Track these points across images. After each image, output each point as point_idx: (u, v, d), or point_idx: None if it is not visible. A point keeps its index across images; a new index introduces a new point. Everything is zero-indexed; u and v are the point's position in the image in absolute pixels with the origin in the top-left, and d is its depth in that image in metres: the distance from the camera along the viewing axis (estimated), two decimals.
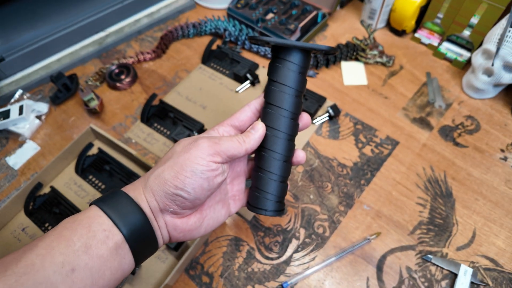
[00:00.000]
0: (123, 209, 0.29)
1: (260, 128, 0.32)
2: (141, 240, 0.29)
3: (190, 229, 0.32)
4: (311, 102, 0.61)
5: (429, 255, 0.47)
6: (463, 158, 0.56)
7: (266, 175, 0.33)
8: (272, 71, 0.33)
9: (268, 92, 0.33)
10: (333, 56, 0.66)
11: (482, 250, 0.48)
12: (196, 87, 0.67)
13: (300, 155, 0.36)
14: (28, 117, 0.62)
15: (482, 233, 0.49)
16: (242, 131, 0.35)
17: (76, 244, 0.26)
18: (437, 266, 0.47)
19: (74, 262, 0.25)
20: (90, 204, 0.30)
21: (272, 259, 0.49)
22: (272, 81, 0.33)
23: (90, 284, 0.26)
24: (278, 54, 0.32)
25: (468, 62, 0.65)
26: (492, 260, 0.47)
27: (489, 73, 0.57)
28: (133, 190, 0.30)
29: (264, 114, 0.34)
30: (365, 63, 0.67)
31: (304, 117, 0.36)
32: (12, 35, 0.69)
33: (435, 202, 0.52)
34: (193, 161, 0.29)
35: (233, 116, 0.35)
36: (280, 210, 0.35)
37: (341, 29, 0.74)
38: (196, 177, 0.29)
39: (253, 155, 0.37)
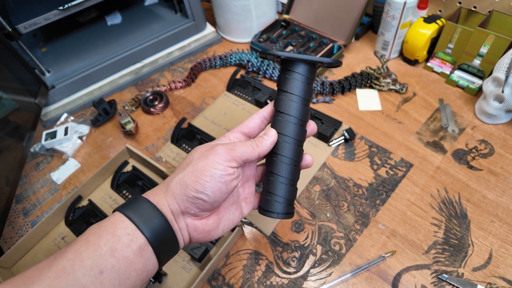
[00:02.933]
0: (145, 213, 0.30)
1: (273, 135, 0.35)
2: (163, 242, 0.31)
3: (209, 229, 0.34)
4: (327, 126, 0.65)
5: (444, 275, 0.48)
6: (477, 181, 0.57)
7: (276, 178, 0.36)
8: (281, 82, 0.36)
9: (277, 101, 0.36)
10: (348, 84, 0.70)
11: (500, 271, 0.48)
12: (221, 112, 0.73)
13: (308, 159, 0.38)
14: (71, 137, 0.70)
15: (499, 255, 0.50)
16: (251, 137, 0.38)
17: (102, 248, 0.28)
18: (453, 285, 0.48)
19: (102, 265, 0.27)
20: (114, 211, 0.32)
21: (290, 273, 0.51)
22: (281, 91, 0.36)
23: (117, 285, 0.28)
24: (286, 66, 0.35)
25: (480, 89, 0.67)
26: (510, 282, 0.47)
27: (500, 99, 0.60)
28: (153, 195, 0.33)
29: (274, 121, 0.37)
30: (379, 90, 0.71)
31: (311, 124, 0.38)
32: (61, 66, 0.79)
33: (450, 223, 0.53)
34: (211, 166, 0.31)
35: (242, 124, 0.38)
36: (290, 212, 0.37)
37: (356, 60, 0.79)
38: (215, 181, 0.31)
39: (263, 161, 0.39)
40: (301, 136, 0.36)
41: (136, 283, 0.29)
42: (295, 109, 0.35)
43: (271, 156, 0.37)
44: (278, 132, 0.36)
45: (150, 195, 0.33)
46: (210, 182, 0.31)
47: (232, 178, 0.32)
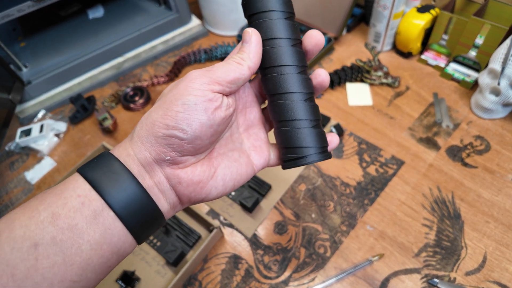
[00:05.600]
0: (104, 169, 0.23)
1: (250, 31, 0.26)
2: (131, 204, 0.23)
3: (200, 180, 0.25)
4: None
5: (435, 279, 0.45)
6: (472, 179, 0.54)
7: (288, 125, 0.27)
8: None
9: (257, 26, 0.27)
10: (337, 78, 0.67)
11: (494, 276, 0.45)
12: None
13: (313, 34, 0.28)
14: (47, 135, 0.66)
15: (493, 258, 0.46)
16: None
17: (41, 214, 0.21)
18: None
19: (37, 236, 0.21)
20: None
21: (270, 278, 0.48)
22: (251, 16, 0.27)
23: (61, 262, 0.21)
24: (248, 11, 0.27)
25: (476, 82, 0.64)
26: (505, 287, 0.44)
27: (496, 92, 0.56)
28: (117, 148, 0.25)
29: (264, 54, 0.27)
30: (371, 84, 0.68)
31: (314, 34, 0.28)
32: (40, 61, 0.76)
33: (442, 224, 0.50)
34: (184, 91, 0.24)
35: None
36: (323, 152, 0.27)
37: (347, 53, 0.75)
38: (190, 110, 0.23)
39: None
40: (294, 34, 0.27)
41: (91, 260, 0.22)
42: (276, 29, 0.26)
43: (267, 75, 0.27)
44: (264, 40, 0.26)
45: (114, 148, 0.26)
46: (184, 112, 0.23)
47: (215, 106, 0.24)
